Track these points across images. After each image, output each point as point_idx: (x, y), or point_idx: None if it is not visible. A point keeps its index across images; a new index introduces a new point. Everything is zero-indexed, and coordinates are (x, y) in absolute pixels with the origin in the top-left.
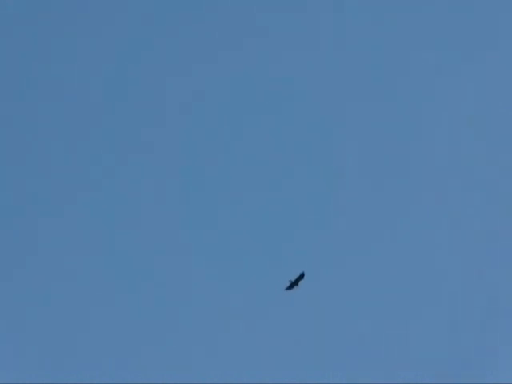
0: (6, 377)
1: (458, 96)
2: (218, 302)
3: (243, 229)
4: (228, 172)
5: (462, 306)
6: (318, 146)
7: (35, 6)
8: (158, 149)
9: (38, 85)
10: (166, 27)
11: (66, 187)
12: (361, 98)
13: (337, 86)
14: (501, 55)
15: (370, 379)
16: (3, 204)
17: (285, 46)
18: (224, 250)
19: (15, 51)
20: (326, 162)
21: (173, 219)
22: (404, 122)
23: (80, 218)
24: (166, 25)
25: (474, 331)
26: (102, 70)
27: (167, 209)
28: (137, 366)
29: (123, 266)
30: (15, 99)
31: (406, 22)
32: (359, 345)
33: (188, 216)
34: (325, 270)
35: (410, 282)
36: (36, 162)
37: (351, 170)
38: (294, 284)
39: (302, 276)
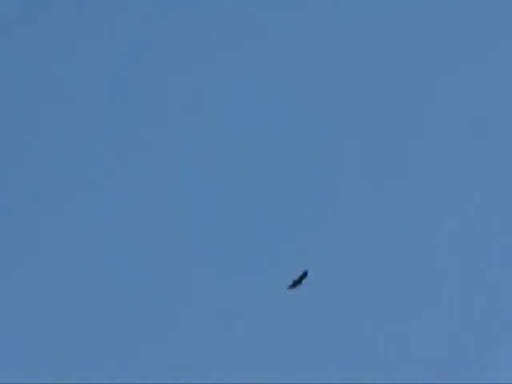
0: (5, 377)
1: (458, 96)
2: (217, 301)
3: (243, 229)
4: (228, 172)
5: (462, 306)
6: (318, 146)
7: (35, 6)
8: (158, 149)
9: (38, 85)
10: (166, 27)
11: (66, 187)
12: (361, 98)
13: (337, 86)
14: (501, 55)
15: (370, 379)
16: (3, 204)
17: (285, 45)
18: (224, 250)
19: (15, 51)
20: (326, 162)
21: (173, 219)
22: (404, 121)
23: (80, 218)
24: (166, 25)
25: (474, 331)
26: (102, 69)
27: (167, 209)
28: (137, 366)
29: (123, 266)
30: (15, 99)
31: (406, 22)
32: (359, 345)
33: (188, 216)
34: (325, 270)
35: (410, 281)
36: (36, 161)
37: (351, 170)
38: (297, 282)
39: (305, 274)
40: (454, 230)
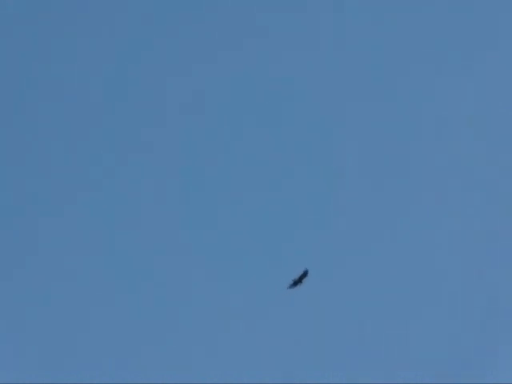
0: (5, 377)
1: (458, 96)
2: (218, 301)
3: (243, 229)
4: (228, 172)
5: (462, 306)
6: (318, 146)
7: (35, 5)
8: (158, 149)
9: (38, 85)
10: (166, 27)
11: (66, 187)
12: (361, 98)
13: (337, 86)
14: (501, 55)
15: (370, 379)
16: (3, 204)
17: (285, 45)
18: (224, 250)
19: (15, 51)
20: (326, 162)
21: (173, 219)
22: (404, 121)
23: (80, 218)
24: (166, 25)
25: (474, 331)
26: (102, 69)
27: (167, 209)
28: (137, 365)
29: (123, 266)
30: (15, 99)
31: (406, 22)
32: (359, 345)
33: (188, 216)
34: (325, 270)
35: (410, 281)
36: (36, 161)
37: (351, 170)
38: (297, 282)
39: (305, 274)
40: (453, 230)
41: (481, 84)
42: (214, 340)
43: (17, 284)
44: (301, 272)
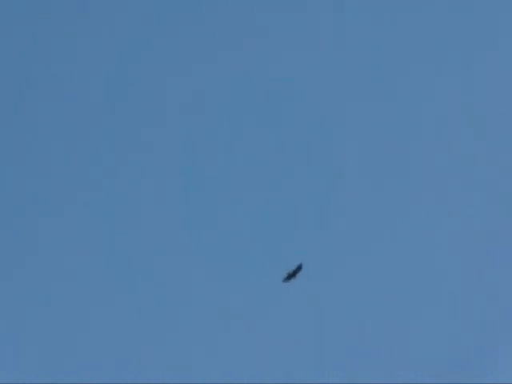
0: (5, 377)
1: (458, 96)
2: (217, 301)
3: (243, 229)
4: (228, 172)
5: (462, 306)
6: (318, 146)
7: (35, 6)
8: (158, 149)
9: (38, 85)
10: (166, 27)
11: (66, 187)
12: (361, 98)
13: (337, 86)
14: (501, 55)
15: (370, 379)
16: (3, 204)
17: (285, 46)
18: (224, 250)
19: (15, 51)
20: (326, 162)
21: (173, 219)
22: (404, 121)
23: (80, 218)
24: (166, 25)
25: (474, 331)
26: (102, 69)
27: (167, 209)
28: (137, 365)
29: (123, 266)
30: (15, 99)
31: (406, 22)
32: (359, 345)
33: (188, 216)
34: (325, 270)
35: (410, 281)
36: (36, 161)
37: (351, 170)
38: (291, 276)
39: (299, 268)
40: (454, 230)
41: (481, 84)
42: (214, 340)
43: (17, 284)
44: (297, 267)
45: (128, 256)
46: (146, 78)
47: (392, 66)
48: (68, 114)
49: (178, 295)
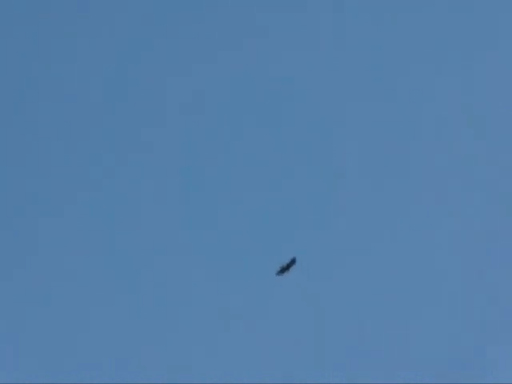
0: (5, 377)
1: (458, 96)
2: (217, 301)
3: (243, 229)
4: (228, 172)
5: (462, 306)
6: (318, 146)
7: (35, 6)
8: (158, 149)
9: (38, 85)
10: (166, 27)
11: (66, 187)
12: (361, 98)
13: (337, 86)
14: (501, 55)
15: (370, 379)
16: (3, 204)
17: (285, 45)
18: (224, 250)
19: (15, 51)
20: (326, 162)
21: (173, 219)
22: (404, 121)
23: (80, 218)
24: (166, 25)
25: (474, 331)
26: (102, 69)
27: (167, 209)
28: (137, 365)
29: (123, 266)
30: (15, 99)
31: (406, 22)
32: (359, 345)
33: (188, 216)
34: (325, 270)
35: (410, 281)
36: (36, 161)
37: (351, 170)
38: (284, 269)
39: (293, 261)
40: (454, 230)
41: (481, 84)
42: (214, 340)
43: (17, 284)
44: (293, 262)
45: (128, 256)
46: (146, 78)
47: (392, 66)
48: (68, 113)
49: (177, 295)
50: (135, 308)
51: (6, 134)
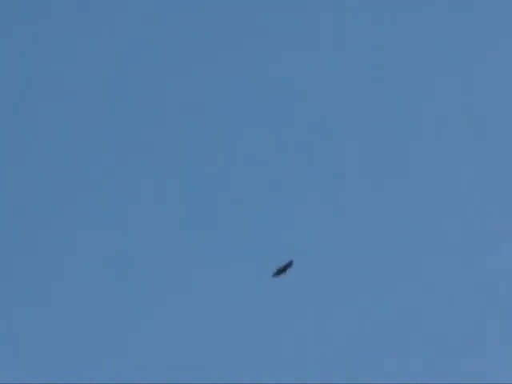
0: (5, 377)
1: (458, 96)
2: (217, 301)
3: (243, 229)
4: (228, 172)
5: (461, 306)
6: (318, 146)
7: (35, 5)
8: (158, 149)
9: (38, 85)
10: (166, 27)
11: (66, 187)
12: (361, 98)
13: (337, 86)
14: (501, 55)
15: (370, 379)
16: (3, 204)
17: (285, 45)
18: (224, 250)
19: (15, 51)
20: (326, 162)
21: (173, 219)
22: (404, 121)
23: (80, 218)
24: (166, 25)
25: (474, 331)
26: (102, 69)
27: (167, 209)
28: (137, 366)
29: (123, 266)
30: (15, 99)
31: (406, 22)
32: (359, 344)
33: (188, 216)
34: (325, 270)
35: (411, 281)
36: (35, 161)
37: (351, 170)
38: (281, 271)
39: (290, 264)
40: (454, 230)
41: (481, 84)
42: (214, 340)
43: (17, 284)
44: (290, 264)
45: (128, 256)
46: (146, 78)
47: (392, 66)
48: (68, 113)
49: (177, 295)
50: (135, 308)
51: (6, 133)
